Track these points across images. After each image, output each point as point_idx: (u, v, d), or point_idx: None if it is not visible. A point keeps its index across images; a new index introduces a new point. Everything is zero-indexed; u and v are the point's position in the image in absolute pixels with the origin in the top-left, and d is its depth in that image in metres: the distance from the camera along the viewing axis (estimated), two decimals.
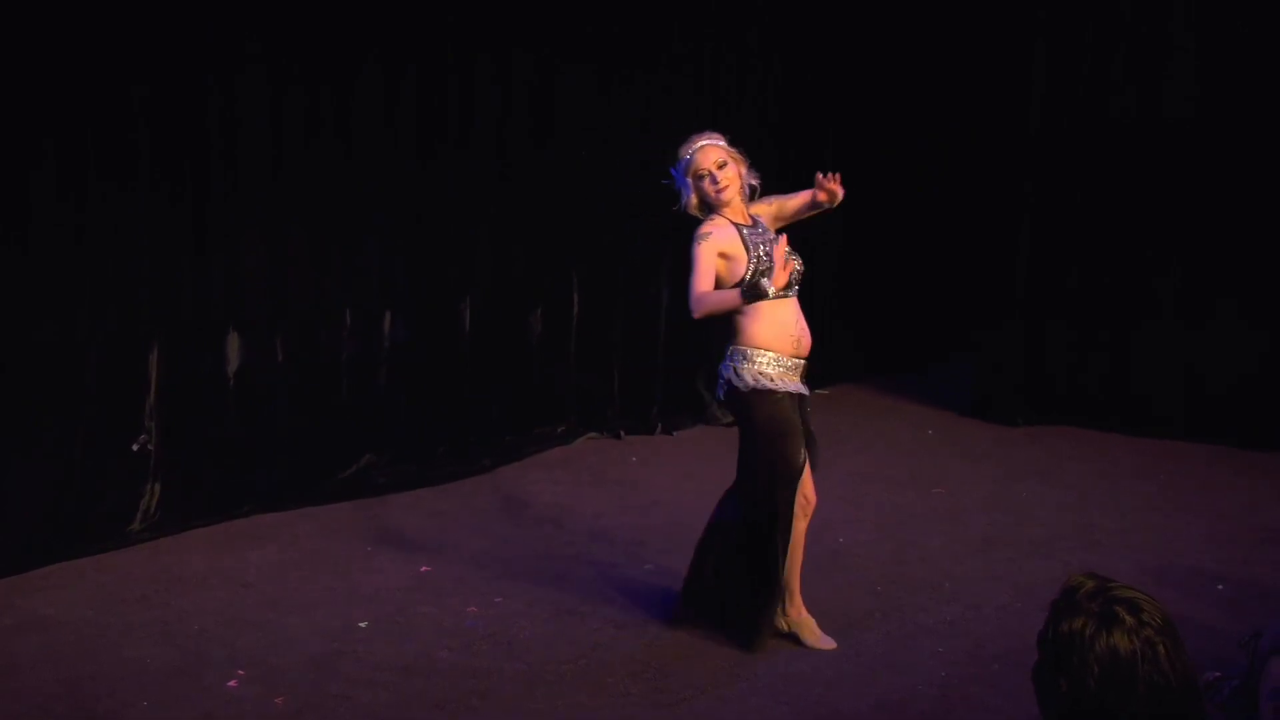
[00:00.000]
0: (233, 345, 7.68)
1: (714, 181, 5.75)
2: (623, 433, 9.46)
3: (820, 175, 5.79)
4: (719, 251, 5.68)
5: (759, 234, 5.77)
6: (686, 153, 5.84)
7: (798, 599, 6.00)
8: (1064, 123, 9.50)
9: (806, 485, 5.86)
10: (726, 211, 5.78)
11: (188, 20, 7.24)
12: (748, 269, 5.64)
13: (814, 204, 5.91)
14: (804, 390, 5.85)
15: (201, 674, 5.67)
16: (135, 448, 7.31)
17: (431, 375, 8.58)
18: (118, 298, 7.20)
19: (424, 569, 6.91)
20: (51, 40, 6.75)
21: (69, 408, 7.04)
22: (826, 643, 5.94)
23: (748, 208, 5.88)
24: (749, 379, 5.69)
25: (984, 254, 10.08)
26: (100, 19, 6.90)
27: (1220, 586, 6.60)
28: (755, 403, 5.71)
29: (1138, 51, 9.23)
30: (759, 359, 5.70)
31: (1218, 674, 4.86)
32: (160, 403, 7.38)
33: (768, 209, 5.95)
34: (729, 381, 5.75)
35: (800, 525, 5.90)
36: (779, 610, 5.95)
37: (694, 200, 5.86)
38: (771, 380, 5.68)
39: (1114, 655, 2.52)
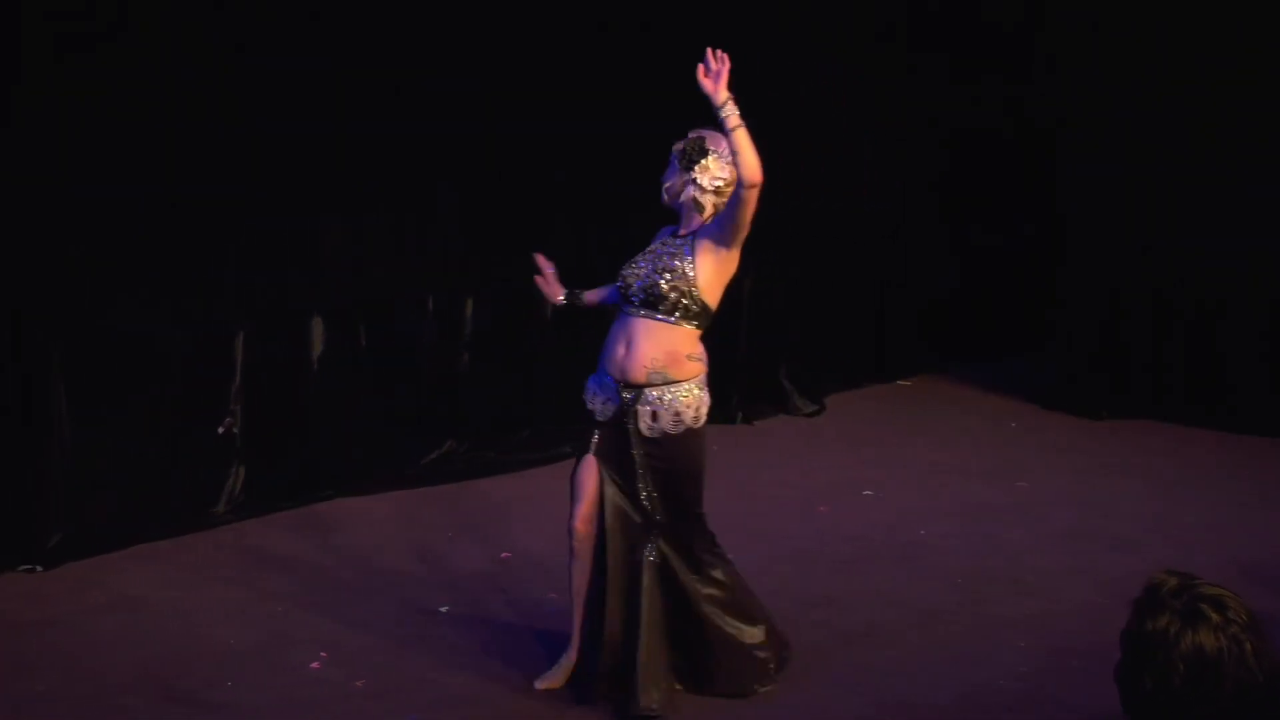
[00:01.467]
0: (316, 330, 7.76)
1: None
2: None
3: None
4: None
5: (663, 248, 5.24)
6: None
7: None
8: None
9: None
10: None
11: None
12: None
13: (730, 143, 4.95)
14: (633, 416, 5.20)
15: (283, 655, 5.73)
16: (220, 430, 7.40)
17: (512, 361, 8.61)
18: (204, 283, 7.29)
19: (505, 555, 6.94)
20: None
21: (156, 391, 7.14)
22: None
23: (703, 217, 5.21)
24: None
25: (1068, 244, 9.98)
26: None
27: None
28: None
29: None
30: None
31: None
32: (245, 386, 7.46)
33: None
34: None
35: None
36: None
37: None
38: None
39: (1200, 653, 2.49)
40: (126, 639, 5.87)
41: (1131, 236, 9.51)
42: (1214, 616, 2.51)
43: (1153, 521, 7.47)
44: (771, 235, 9.45)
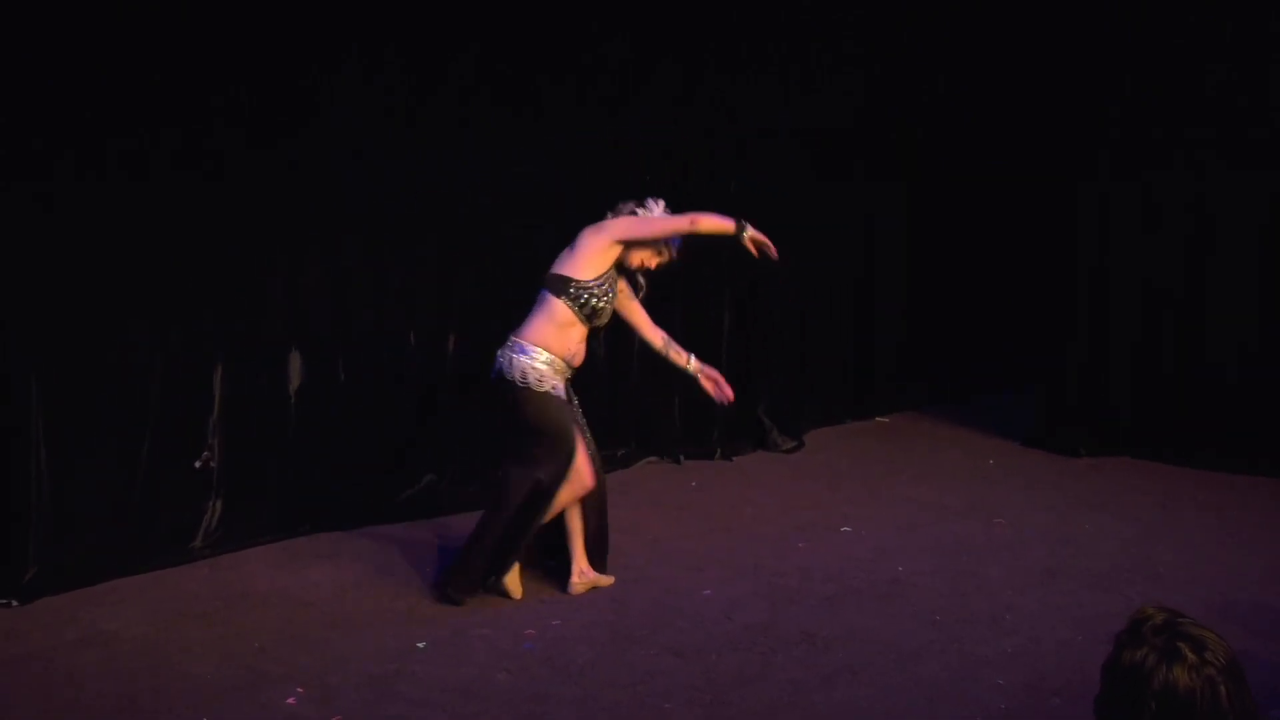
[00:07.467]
0: (294, 364, 7.75)
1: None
2: (682, 458, 9.45)
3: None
4: None
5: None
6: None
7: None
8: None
9: None
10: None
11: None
12: None
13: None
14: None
15: (260, 691, 5.70)
16: (198, 465, 7.38)
17: (493, 396, 8.58)
18: (183, 317, 7.28)
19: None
20: (125, 45, 6.88)
21: (134, 424, 7.12)
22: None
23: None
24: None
25: (1048, 285, 10.03)
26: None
27: None
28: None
29: None
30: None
31: None
32: (223, 420, 7.45)
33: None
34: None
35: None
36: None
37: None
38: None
39: (1172, 691, 2.49)
40: (102, 674, 5.84)
41: (1110, 278, 9.57)
42: (1190, 656, 2.51)
43: (1130, 559, 7.48)
44: (750, 275, 9.55)
